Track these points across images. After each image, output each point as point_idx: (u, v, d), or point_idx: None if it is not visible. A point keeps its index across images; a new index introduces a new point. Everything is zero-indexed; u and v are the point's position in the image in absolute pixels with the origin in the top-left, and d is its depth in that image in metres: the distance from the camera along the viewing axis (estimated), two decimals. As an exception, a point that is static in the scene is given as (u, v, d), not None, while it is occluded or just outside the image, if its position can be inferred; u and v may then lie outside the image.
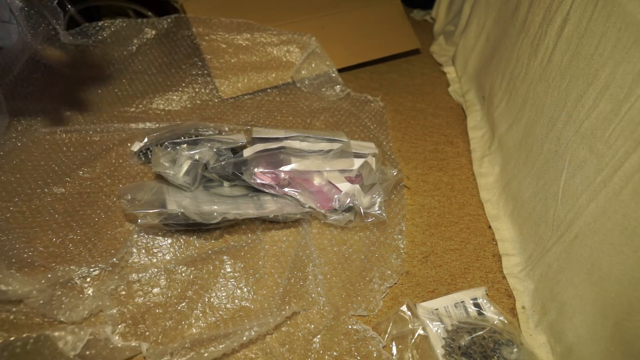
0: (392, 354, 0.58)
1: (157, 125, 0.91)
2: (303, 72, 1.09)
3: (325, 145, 0.80)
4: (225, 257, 0.67)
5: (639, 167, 0.47)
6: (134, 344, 0.55)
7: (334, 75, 1.11)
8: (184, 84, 1.03)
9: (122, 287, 0.61)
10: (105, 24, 1.04)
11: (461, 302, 0.63)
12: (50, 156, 0.82)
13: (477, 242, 0.76)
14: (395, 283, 0.68)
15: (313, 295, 0.64)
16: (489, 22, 1.05)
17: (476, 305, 0.63)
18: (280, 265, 0.68)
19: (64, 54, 1.01)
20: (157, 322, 0.58)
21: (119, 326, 0.57)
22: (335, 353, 0.58)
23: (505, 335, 0.58)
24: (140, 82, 1.02)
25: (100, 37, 1.04)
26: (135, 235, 0.68)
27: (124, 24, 1.06)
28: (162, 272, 0.64)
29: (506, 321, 0.60)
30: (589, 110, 0.57)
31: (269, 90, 1.08)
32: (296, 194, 0.74)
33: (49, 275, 0.59)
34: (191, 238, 0.70)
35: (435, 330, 0.59)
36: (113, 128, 0.89)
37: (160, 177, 0.75)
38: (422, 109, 1.10)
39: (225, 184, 0.76)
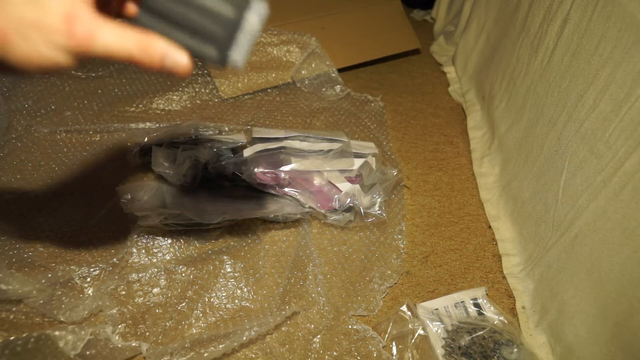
0: (392, 354, 0.58)
1: (157, 125, 0.91)
2: (303, 72, 1.09)
3: (325, 145, 0.80)
4: (225, 257, 0.67)
5: (639, 167, 0.47)
6: (134, 344, 0.55)
7: (334, 75, 1.11)
8: (184, 84, 1.03)
9: (122, 287, 0.61)
10: (105, 24, 1.04)
11: (461, 302, 0.63)
12: (50, 156, 0.82)
13: (477, 242, 0.76)
14: (395, 283, 0.68)
15: (313, 295, 0.64)
16: (489, 22, 1.05)
17: (476, 305, 0.63)
18: (280, 265, 0.68)
19: (64, 54, 1.01)
20: (157, 322, 0.58)
21: (119, 326, 0.57)
22: (335, 353, 0.58)
23: (505, 335, 0.58)
24: (140, 82, 1.02)
25: (100, 37, 1.04)
26: (135, 235, 0.68)
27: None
28: (162, 272, 0.64)
29: (506, 321, 0.60)
30: (589, 110, 0.57)
31: (269, 90, 1.08)
32: (296, 194, 0.74)
33: (49, 275, 0.59)
34: (191, 238, 0.70)
35: (435, 330, 0.59)
36: (113, 128, 0.89)
37: (160, 177, 0.75)
38: (422, 109, 1.10)
39: (225, 184, 0.77)
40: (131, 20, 0.30)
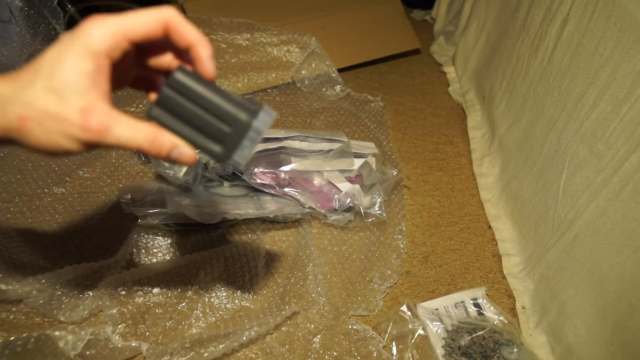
0: (392, 354, 0.58)
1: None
2: (303, 72, 1.09)
3: (325, 145, 0.80)
4: (225, 257, 0.67)
5: (639, 167, 0.47)
6: (134, 344, 0.55)
7: (334, 75, 1.11)
8: (184, 84, 1.03)
9: (122, 287, 0.61)
10: (105, 24, 1.04)
11: (461, 302, 0.63)
12: (50, 156, 0.82)
13: (477, 242, 0.76)
14: (395, 283, 0.68)
15: (313, 295, 0.64)
16: (489, 22, 1.05)
17: (476, 305, 0.63)
18: (280, 265, 0.68)
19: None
20: (157, 322, 0.58)
21: (119, 326, 0.57)
22: (335, 353, 0.58)
23: (505, 335, 0.58)
24: (140, 82, 1.02)
25: (100, 37, 1.04)
26: (135, 235, 0.68)
27: (124, 24, 1.06)
28: (162, 272, 0.64)
29: (506, 321, 0.60)
30: (589, 110, 0.57)
31: (269, 90, 1.08)
32: (296, 194, 0.74)
33: (49, 275, 0.59)
34: (191, 238, 0.70)
35: (435, 330, 0.59)
36: (113, 128, 0.89)
37: (160, 177, 0.75)
38: (422, 109, 1.10)
39: (225, 184, 0.76)
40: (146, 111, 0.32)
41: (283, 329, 0.60)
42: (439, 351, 0.57)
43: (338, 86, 1.09)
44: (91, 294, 0.60)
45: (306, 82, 1.09)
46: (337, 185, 0.75)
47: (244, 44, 1.08)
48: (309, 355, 0.57)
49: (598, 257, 0.52)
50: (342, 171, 0.77)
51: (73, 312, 0.57)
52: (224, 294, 0.63)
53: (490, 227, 0.79)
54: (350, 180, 0.76)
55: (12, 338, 0.51)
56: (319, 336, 0.60)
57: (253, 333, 0.56)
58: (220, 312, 0.61)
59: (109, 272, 0.63)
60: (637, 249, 0.46)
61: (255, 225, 0.73)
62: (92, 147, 0.30)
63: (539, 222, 0.67)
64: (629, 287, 0.47)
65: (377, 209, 0.74)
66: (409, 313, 0.61)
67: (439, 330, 0.59)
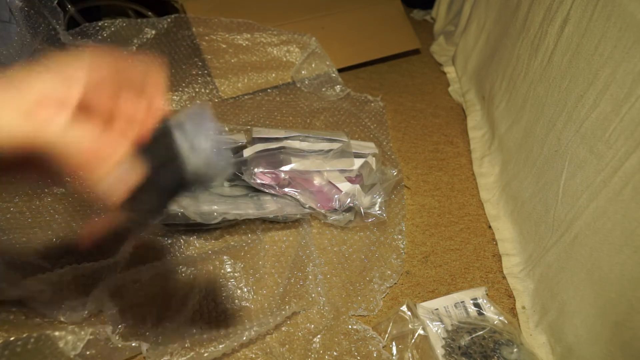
0: (392, 354, 0.58)
1: (157, 125, 0.90)
2: (303, 72, 1.09)
3: (325, 145, 0.80)
4: (225, 257, 0.67)
5: (639, 167, 0.47)
6: (134, 344, 0.55)
7: (334, 75, 1.11)
8: (184, 84, 1.03)
9: (122, 287, 0.61)
10: (105, 24, 1.04)
11: (461, 302, 0.63)
12: (50, 156, 0.82)
13: (477, 242, 0.76)
14: (395, 283, 0.68)
15: (313, 295, 0.64)
16: (489, 22, 1.05)
17: (476, 305, 0.63)
18: (280, 265, 0.68)
19: (64, 54, 1.01)
20: (157, 322, 0.58)
21: (119, 326, 0.57)
22: (335, 353, 0.58)
23: (505, 335, 0.58)
24: (140, 82, 1.02)
25: (100, 37, 1.04)
26: (135, 236, 0.68)
27: (124, 24, 1.06)
28: (162, 272, 0.64)
29: (506, 321, 0.60)
30: (589, 110, 0.57)
31: (269, 90, 1.08)
32: (296, 194, 0.74)
33: (49, 275, 0.59)
34: (191, 238, 0.70)
35: (435, 330, 0.59)
36: (113, 128, 0.89)
37: (160, 177, 0.75)
38: (422, 109, 1.10)
39: (225, 184, 0.76)
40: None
41: (283, 329, 0.60)
42: (439, 351, 0.57)
43: (338, 86, 1.09)
44: (91, 294, 0.60)
45: (306, 82, 1.09)
46: (337, 185, 0.75)
47: (244, 44, 1.08)
48: (309, 355, 0.57)
49: (598, 257, 0.52)
50: (342, 171, 0.77)
51: (73, 312, 0.57)
52: (224, 294, 0.63)
53: (490, 227, 0.79)
54: (350, 180, 0.76)
55: (12, 338, 0.51)
56: (319, 336, 0.60)
57: (253, 333, 0.56)
58: (220, 312, 0.61)
59: (109, 272, 0.63)
60: (637, 249, 0.46)
61: (255, 225, 0.73)
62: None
63: (539, 222, 0.67)
64: (629, 287, 0.47)
65: (377, 209, 0.74)
66: (409, 313, 0.61)
67: (439, 330, 0.59)
